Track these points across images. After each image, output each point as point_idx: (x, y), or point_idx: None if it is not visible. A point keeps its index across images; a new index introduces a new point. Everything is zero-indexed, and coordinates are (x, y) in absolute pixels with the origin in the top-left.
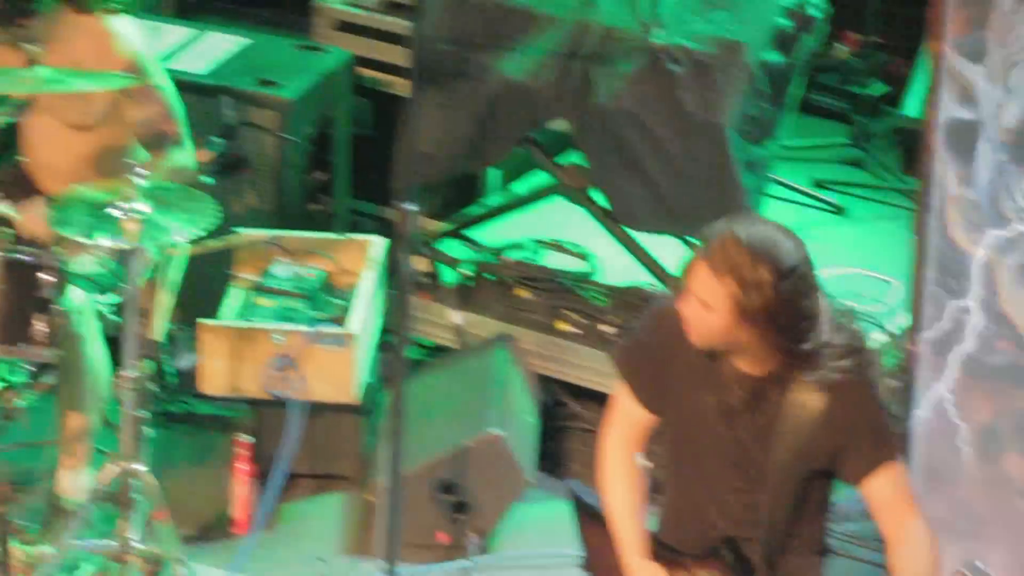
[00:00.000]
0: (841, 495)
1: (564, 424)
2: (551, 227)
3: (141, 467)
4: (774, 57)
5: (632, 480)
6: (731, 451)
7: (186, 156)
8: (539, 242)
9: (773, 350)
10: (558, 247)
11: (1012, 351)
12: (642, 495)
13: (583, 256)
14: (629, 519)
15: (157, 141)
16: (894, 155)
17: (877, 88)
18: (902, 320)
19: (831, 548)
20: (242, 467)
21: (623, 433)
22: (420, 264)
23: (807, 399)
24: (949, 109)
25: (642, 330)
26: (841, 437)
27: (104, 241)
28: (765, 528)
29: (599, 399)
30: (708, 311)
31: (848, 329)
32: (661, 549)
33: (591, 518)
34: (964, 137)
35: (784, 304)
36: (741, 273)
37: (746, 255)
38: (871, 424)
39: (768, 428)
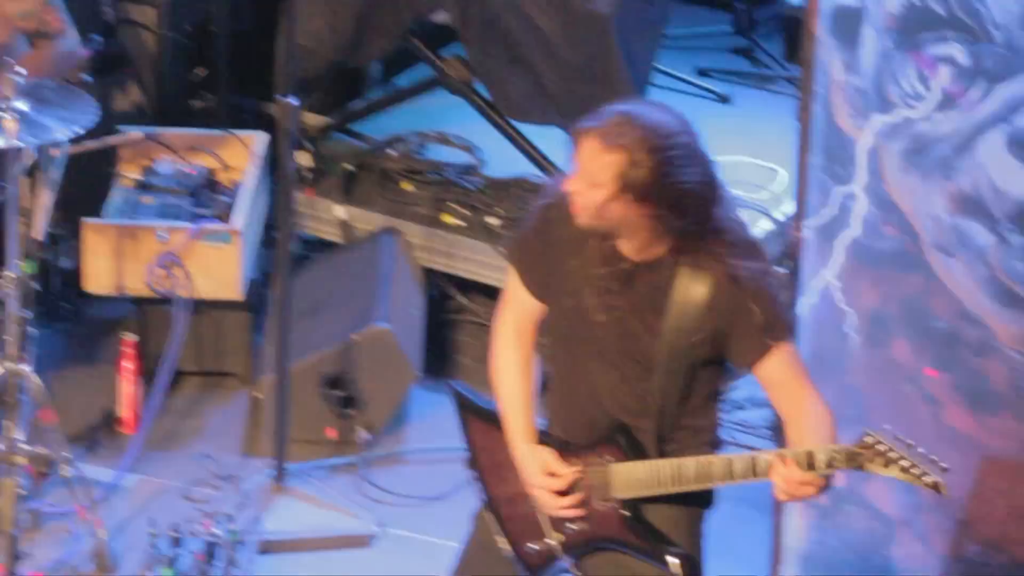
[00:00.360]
0: (732, 385)
1: (451, 317)
2: (436, 120)
3: (26, 368)
4: None
5: (524, 368)
6: (619, 339)
7: (71, 42)
8: (423, 135)
9: (660, 231)
10: (443, 139)
11: (898, 236)
12: (534, 384)
13: (468, 148)
14: (519, 406)
15: (40, 32)
16: (778, 42)
17: None
18: (788, 207)
19: (722, 440)
20: (128, 366)
21: (515, 320)
22: (303, 159)
23: (693, 284)
24: None
25: (531, 218)
26: (727, 322)
27: None
28: (655, 416)
29: (486, 291)
30: (595, 187)
31: (737, 218)
32: (551, 441)
33: (475, 416)
34: (848, 23)
35: (668, 178)
36: (628, 145)
37: (634, 128)
38: (759, 308)
39: (656, 315)
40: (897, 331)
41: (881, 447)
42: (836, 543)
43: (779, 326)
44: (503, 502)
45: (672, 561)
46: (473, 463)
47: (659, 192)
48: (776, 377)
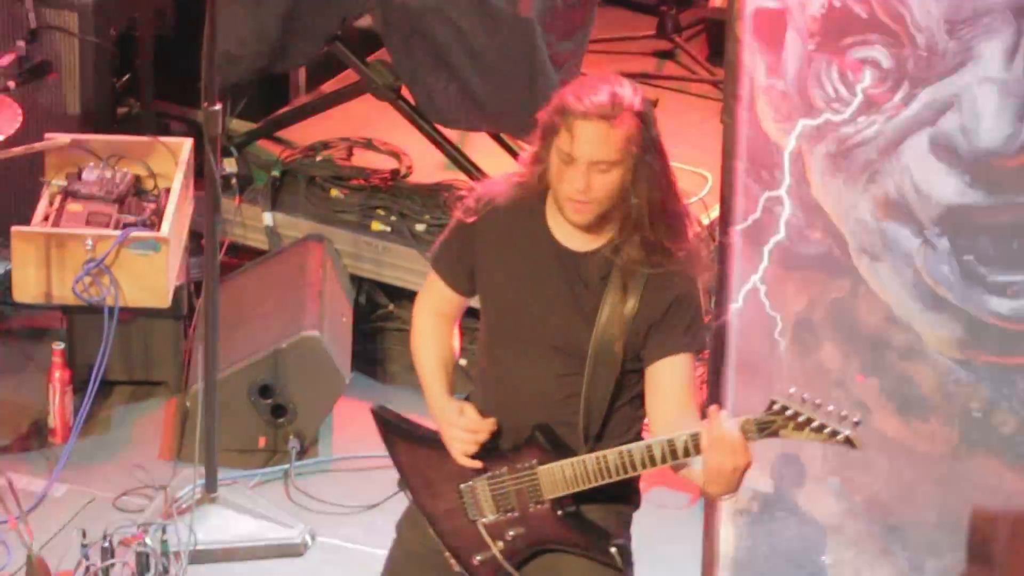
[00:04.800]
0: None
1: (380, 324)
2: (363, 126)
3: None
4: None
5: (441, 338)
6: (552, 330)
7: None
8: (350, 141)
9: (622, 203)
10: (370, 146)
11: (825, 241)
12: (449, 355)
13: (395, 154)
14: (437, 369)
15: None
16: (701, 46)
17: None
18: (715, 212)
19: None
20: (57, 375)
21: (434, 304)
22: (230, 165)
23: (632, 277)
24: None
25: (456, 215)
26: (655, 318)
27: None
28: (583, 412)
29: (414, 298)
30: (610, 169)
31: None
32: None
33: (400, 437)
34: (771, 26)
35: (651, 131)
36: (626, 112)
37: (616, 96)
38: (687, 312)
39: (592, 305)
40: (825, 336)
41: (789, 411)
42: (767, 549)
43: (696, 334)
44: (440, 518)
45: (614, 551)
46: (404, 484)
47: (650, 146)
48: (668, 381)
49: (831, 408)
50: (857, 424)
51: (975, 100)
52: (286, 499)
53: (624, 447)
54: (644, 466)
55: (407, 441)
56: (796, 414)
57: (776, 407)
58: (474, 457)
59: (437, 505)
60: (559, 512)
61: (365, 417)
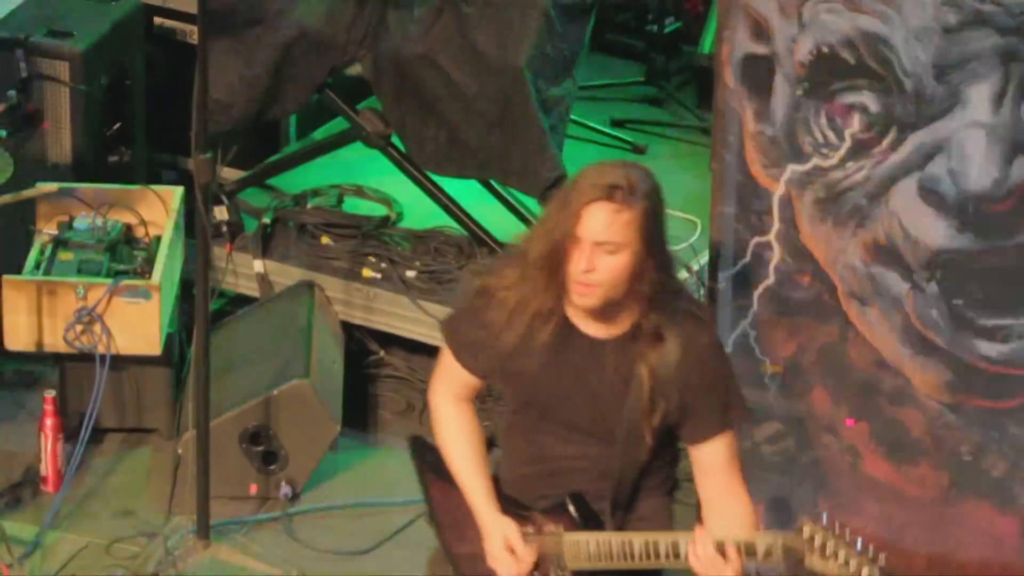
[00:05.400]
0: None
1: (371, 371)
2: (353, 173)
3: None
4: None
5: (471, 433)
6: (584, 412)
7: None
8: (340, 188)
9: (638, 290)
10: (360, 193)
11: (814, 286)
12: (481, 446)
13: (385, 201)
14: (476, 473)
15: None
16: (691, 92)
17: (672, 26)
18: (705, 258)
19: (678, 480)
20: (49, 423)
21: (452, 390)
22: (220, 213)
23: (662, 357)
24: (743, 44)
25: (470, 305)
26: (691, 396)
27: None
28: (614, 484)
29: (405, 345)
30: (617, 251)
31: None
32: (504, 501)
33: (433, 472)
34: (760, 72)
35: (660, 219)
36: (636, 197)
37: (630, 181)
38: (721, 387)
39: (624, 387)
40: (815, 380)
41: (817, 540)
42: None
43: (736, 409)
44: (463, 559)
45: None
46: (432, 518)
47: (657, 236)
48: (714, 460)
49: (859, 541)
50: (878, 563)
51: (963, 144)
52: (278, 546)
53: (651, 534)
54: (668, 558)
55: (442, 479)
56: (824, 544)
57: (807, 531)
58: (505, 511)
59: (462, 547)
60: None
61: (356, 463)
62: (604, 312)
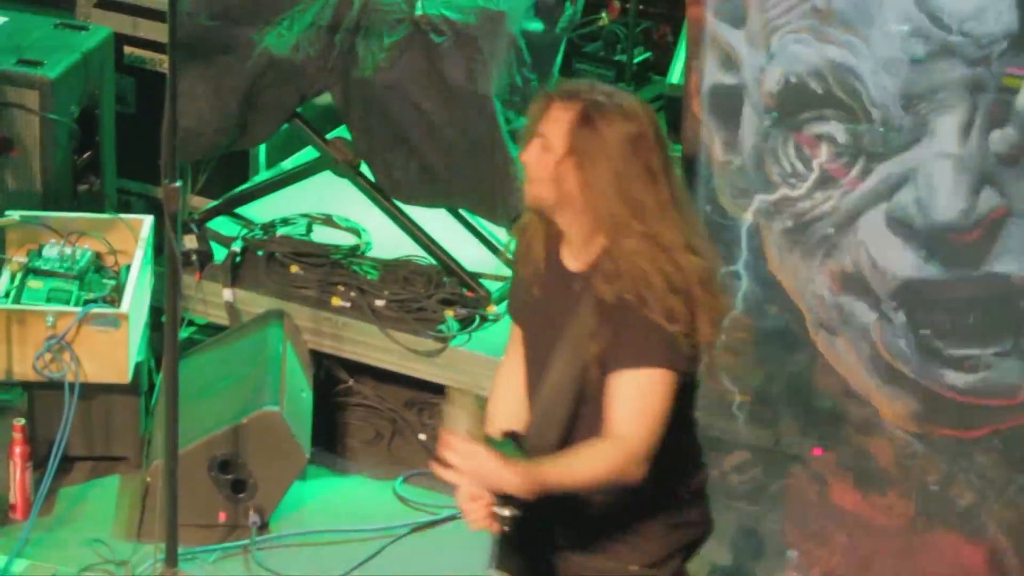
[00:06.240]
0: None
1: (340, 400)
2: (322, 202)
3: None
4: (536, 26)
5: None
6: (548, 348)
7: None
8: (310, 217)
9: (596, 214)
10: (329, 222)
11: (782, 315)
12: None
13: (354, 230)
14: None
15: None
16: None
17: (641, 56)
18: None
19: None
20: (18, 451)
21: (512, 358)
22: (189, 242)
23: (604, 294)
24: (712, 75)
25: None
26: (611, 335)
27: None
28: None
29: (374, 374)
30: (547, 149)
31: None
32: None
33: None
34: (728, 103)
35: (614, 141)
36: (582, 102)
37: (592, 90)
38: (636, 327)
39: (575, 334)
40: (783, 411)
41: None
42: None
43: (645, 357)
44: None
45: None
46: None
47: (599, 152)
48: (609, 394)
49: None
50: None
51: (931, 175)
52: (247, 574)
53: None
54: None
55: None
56: None
57: None
58: None
59: None
60: None
61: (325, 492)
62: (570, 240)
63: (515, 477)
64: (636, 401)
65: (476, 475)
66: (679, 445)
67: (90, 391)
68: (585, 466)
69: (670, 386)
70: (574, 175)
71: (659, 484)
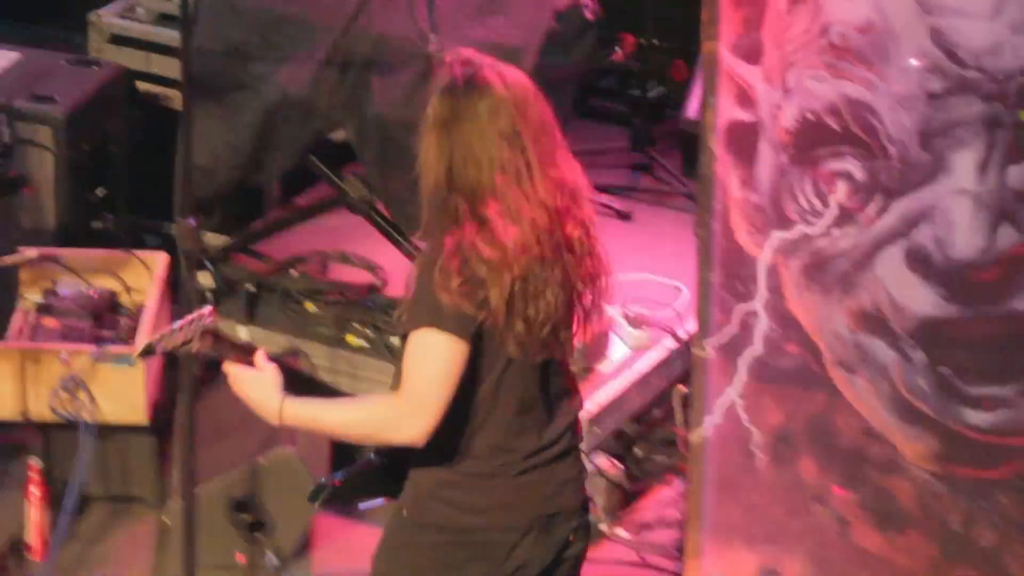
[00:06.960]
0: None
1: None
2: (337, 239)
3: None
4: (552, 62)
5: None
6: None
7: None
8: (325, 255)
9: (439, 200)
10: (344, 259)
11: (800, 353)
12: None
13: (370, 268)
14: None
15: None
16: (677, 158)
17: (657, 91)
18: (692, 325)
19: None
20: (35, 492)
21: None
22: (205, 279)
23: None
24: (728, 111)
25: None
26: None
27: None
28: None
29: None
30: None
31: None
32: None
33: None
34: (744, 139)
35: (467, 119)
36: (446, 75)
37: (465, 63)
38: (416, 291)
39: None
40: (803, 449)
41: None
42: None
43: (422, 315)
44: None
45: None
46: None
47: (452, 134)
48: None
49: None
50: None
51: (949, 212)
52: None
53: None
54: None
55: None
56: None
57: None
58: None
59: None
60: None
61: (343, 532)
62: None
63: (272, 408)
64: (410, 360)
65: (244, 398)
66: (468, 418)
67: (106, 431)
68: (350, 415)
69: (447, 350)
70: (429, 151)
71: (437, 448)
